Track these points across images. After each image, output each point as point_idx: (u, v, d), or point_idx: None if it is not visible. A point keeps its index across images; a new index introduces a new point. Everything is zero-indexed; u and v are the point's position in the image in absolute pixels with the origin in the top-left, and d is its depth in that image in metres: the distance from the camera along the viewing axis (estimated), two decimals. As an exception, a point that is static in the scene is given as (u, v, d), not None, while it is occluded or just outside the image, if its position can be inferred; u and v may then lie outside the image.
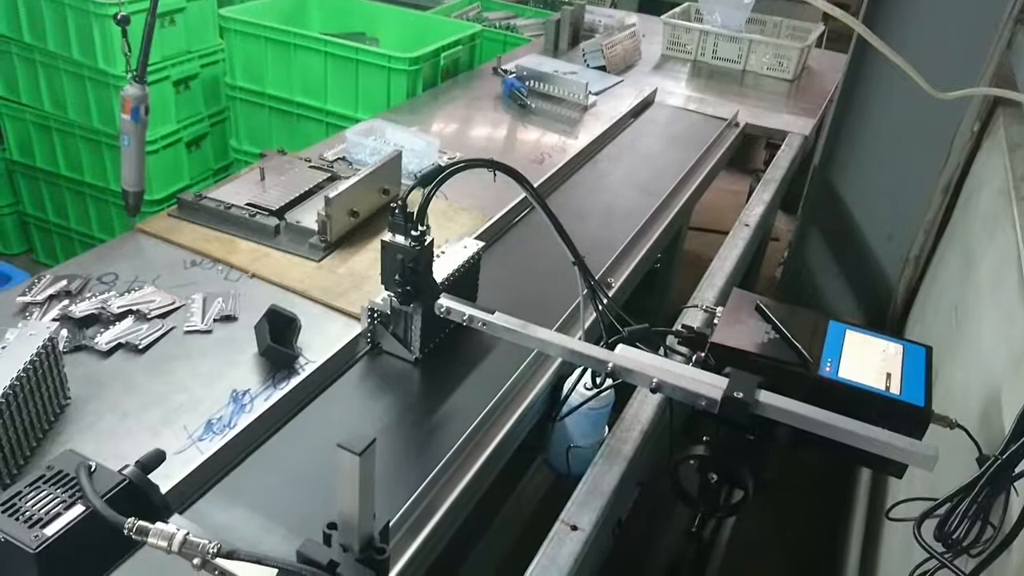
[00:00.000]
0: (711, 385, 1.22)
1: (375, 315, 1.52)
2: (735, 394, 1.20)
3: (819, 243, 3.08)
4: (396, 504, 1.16)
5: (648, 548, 1.65)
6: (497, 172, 1.38)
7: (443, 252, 1.54)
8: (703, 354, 1.35)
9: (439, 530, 1.19)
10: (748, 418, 1.21)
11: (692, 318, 1.64)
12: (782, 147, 2.78)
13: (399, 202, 1.34)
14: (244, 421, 1.33)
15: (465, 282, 1.57)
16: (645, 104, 2.95)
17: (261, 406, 1.36)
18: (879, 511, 2.10)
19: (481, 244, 1.60)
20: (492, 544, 1.54)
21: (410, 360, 1.51)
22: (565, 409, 1.50)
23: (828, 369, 1.26)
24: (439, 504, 1.21)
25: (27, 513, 0.87)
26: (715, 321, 1.40)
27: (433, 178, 1.31)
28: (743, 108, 2.95)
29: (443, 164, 1.34)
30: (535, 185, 1.41)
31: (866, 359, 1.28)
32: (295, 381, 1.42)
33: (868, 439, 1.14)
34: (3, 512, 0.86)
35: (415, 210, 1.34)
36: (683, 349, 1.49)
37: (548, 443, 1.60)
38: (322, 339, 1.57)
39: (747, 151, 4.63)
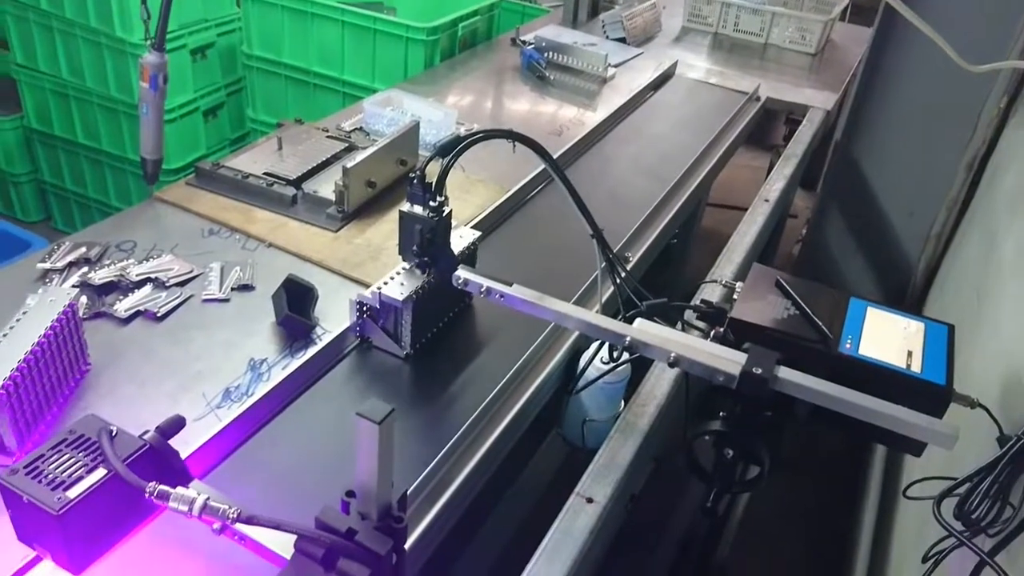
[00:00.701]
0: (730, 360, 1.21)
1: (364, 309, 1.46)
2: (754, 370, 1.19)
3: (838, 220, 3.05)
4: (413, 474, 1.17)
5: (661, 523, 1.66)
6: (517, 144, 1.37)
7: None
8: (722, 329, 1.34)
9: (455, 500, 1.20)
10: (766, 394, 1.20)
11: (710, 293, 1.63)
12: (803, 122, 2.75)
13: (418, 172, 1.33)
14: (262, 390, 1.33)
15: None
16: (665, 77, 2.91)
17: (278, 375, 1.37)
18: (894, 490, 2.10)
19: (477, 234, 1.54)
20: (506, 514, 1.55)
21: (400, 356, 1.46)
22: (581, 383, 1.49)
23: (848, 346, 1.24)
24: (455, 475, 1.21)
25: (50, 476, 0.88)
26: (734, 296, 1.39)
27: (452, 148, 1.30)
28: (764, 82, 2.91)
29: (462, 135, 1.32)
30: (553, 157, 1.40)
31: (887, 337, 1.27)
32: (312, 351, 1.42)
33: (888, 417, 1.13)
34: (27, 474, 0.87)
35: (433, 180, 1.33)
36: (701, 324, 1.49)
37: (563, 416, 1.60)
38: (339, 309, 1.57)
39: (766, 127, 4.58)
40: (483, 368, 1.47)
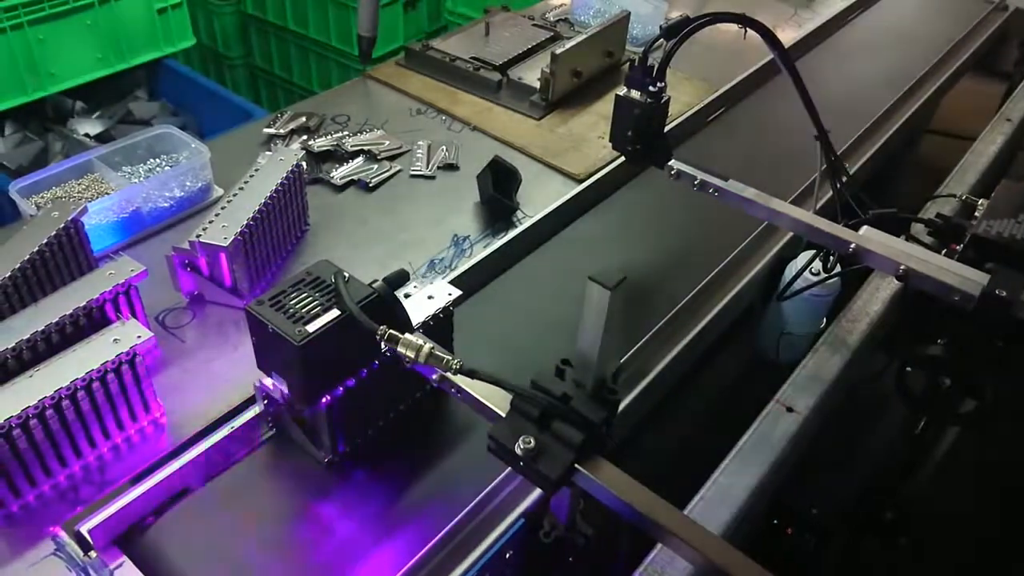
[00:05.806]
0: (970, 279, 1.10)
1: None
2: (997, 291, 1.08)
3: (1081, 155, 2.69)
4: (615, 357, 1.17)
5: (857, 442, 1.59)
6: (740, 36, 1.28)
7: (407, 296, 1.11)
8: (958, 247, 1.23)
9: (653, 387, 1.19)
10: (1007, 321, 1.09)
11: (942, 208, 1.49)
12: (1060, 37, 2.41)
13: (640, 55, 1.27)
14: (464, 265, 1.36)
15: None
16: (896, -22, 2.63)
17: (480, 252, 1.39)
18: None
19: (456, 293, 1.11)
20: (683, 410, 1.53)
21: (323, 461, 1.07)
22: (788, 292, 1.42)
23: (1118, 278, 1.10)
24: (654, 364, 1.21)
25: (290, 311, 0.94)
26: (976, 213, 1.26)
27: (679, 30, 1.23)
28: (1015, -11, 2.57)
29: (691, 16, 1.24)
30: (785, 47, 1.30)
31: None
32: (513, 233, 1.43)
33: None
34: (271, 306, 0.94)
35: (656, 65, 1.27)
36: (928, 240, 1.37)
37: (758, 325, 1.55)
38: (540, 195, 1.57)
39: (994, 49, 4.06)
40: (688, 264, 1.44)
